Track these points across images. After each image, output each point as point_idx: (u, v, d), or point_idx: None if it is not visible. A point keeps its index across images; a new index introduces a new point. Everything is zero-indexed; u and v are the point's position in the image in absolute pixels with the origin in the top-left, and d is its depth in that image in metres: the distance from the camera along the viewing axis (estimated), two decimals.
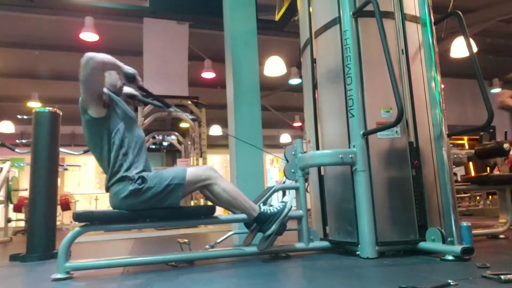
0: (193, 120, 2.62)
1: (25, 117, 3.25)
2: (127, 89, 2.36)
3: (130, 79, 2.07)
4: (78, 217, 1.90)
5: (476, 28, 7.12)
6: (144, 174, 1.98)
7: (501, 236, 2.77)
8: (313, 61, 2.55)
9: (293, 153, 2.38)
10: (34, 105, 8.39)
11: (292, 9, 5.21)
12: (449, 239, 1.89)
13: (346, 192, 2.23)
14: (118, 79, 2.17)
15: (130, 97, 2.38)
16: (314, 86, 2.55)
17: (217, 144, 10.17)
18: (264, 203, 2.27)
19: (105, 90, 2.05)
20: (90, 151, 2.08)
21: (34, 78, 8.87)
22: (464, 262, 1.79)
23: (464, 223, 1.91)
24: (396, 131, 2.18)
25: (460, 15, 2.28)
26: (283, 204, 2.16)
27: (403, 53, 2.26)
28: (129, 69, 2.05)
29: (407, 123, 2.19)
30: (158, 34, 7.40)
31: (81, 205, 9.92)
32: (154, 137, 7.58)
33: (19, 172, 8.64)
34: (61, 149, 3.07)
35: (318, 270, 1.83)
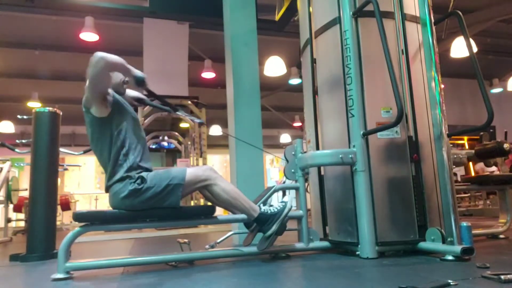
0: (200, 124, 2.60)
1: (25, 117, 3.25)
2: (133, 93, 2.35)
3: (139, 83, 2.05)
4: (78, 217, 1.90)
5: (476, 28, 7.13)
6: (144, 174, 1.97)
7: (501, 236, 2.77)
8: (313, 61, 2.55)
9: (293, 153, 2.38)
10: (34, 105, 8.39)
11: (292, 9, 5.21)
12: (449, 239, 1.89)
13: (346, 192, 2.23)
14: (120, 77, 2.16)
15: (137, 101, 2.37)
16: (314, 86, 2.55)
17: (217, 144, 10.17)
18: (264, 203, 2.27)
19: (109, 90, 2.04)
20: (92, 150, 2.08)
21: (34, 78, 8.87)
22: (464, 262, 1.79)
23: (464, 223, 1.90)
24: (396, 131, 2.18)
25: (460, 15, 2.28)
26: (283, 204, 2.16)
27: (403, 53, 2.26)
28: (138, 72, 2.05)
29: (406, 119, 2.19)
30: (158, 34, 7.40)
31: (81, 205, 9.92)
32: (154, 137, 7.58)
33: (19, 172, 8.64)
34: (61, 149, 3.06)
35: (318, 270, 1.83)
